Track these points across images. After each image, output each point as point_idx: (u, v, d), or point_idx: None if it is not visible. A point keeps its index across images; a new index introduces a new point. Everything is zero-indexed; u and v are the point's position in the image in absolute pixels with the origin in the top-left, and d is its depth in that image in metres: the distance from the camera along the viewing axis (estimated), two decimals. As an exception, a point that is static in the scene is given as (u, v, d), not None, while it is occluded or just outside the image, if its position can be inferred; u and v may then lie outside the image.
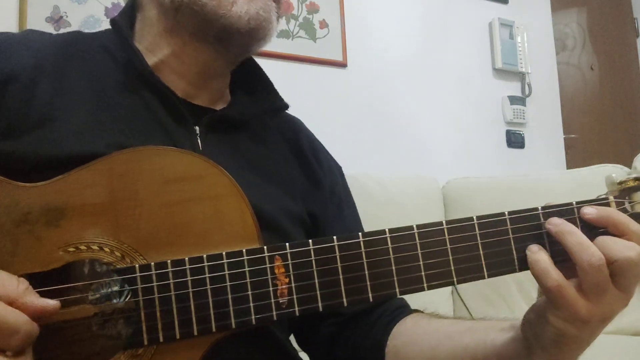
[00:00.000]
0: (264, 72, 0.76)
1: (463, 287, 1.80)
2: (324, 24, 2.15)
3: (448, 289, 1.82)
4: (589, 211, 0.50)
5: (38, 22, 1.60)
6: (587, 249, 0.46)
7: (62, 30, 1.62)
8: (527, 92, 2.72)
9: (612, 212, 0.49)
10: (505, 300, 1.71)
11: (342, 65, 2.19)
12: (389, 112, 2.30)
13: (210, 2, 0.62)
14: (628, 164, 1.63)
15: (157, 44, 0.66)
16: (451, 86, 2.51)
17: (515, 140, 2.66)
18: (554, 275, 0.47)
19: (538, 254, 0.49)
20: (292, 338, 0.73)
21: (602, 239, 0.48)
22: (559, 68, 2.98)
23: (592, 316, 0.47)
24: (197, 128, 0.64)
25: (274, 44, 2.00)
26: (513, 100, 2.65)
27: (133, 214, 0.50)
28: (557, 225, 0.49)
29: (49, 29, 1.61)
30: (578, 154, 3.00)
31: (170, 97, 0.63)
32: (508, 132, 2.65)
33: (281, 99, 0.75)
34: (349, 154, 2.10)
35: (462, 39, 2.58)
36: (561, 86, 2.98)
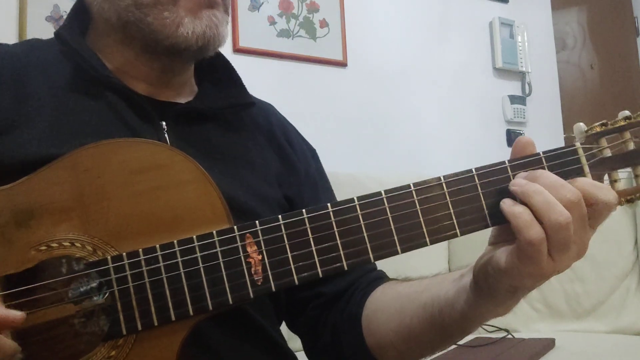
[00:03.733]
0: (230, 64, 0.76)
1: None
2: (324, 23, 2.15)
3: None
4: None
5: (38, 21, 1.60)
6: (555, 208, 0.46)
7: (62, 30, 1.63)
8: (527, 91, 2.72)
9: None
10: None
11: (342, 65, 2.19)
12: (389, 111, 2.30)
13: (155, 21, 0.62)
14: (628, 163, 1.63)
15: (111, 53, 0.67)
16: (451, 85, 2.51)
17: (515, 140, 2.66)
18: (538, 228, 0.46)
19: (516, 207, 0.48)
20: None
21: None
22: (559, 67, 2.98)
23: (552, 272, 0.48)
24: (163, 123, 0.65)
25: (274, 44, 2.02)
26: (513, 99, 2.65)
27: (101, 208, 0.50)
28: (522, 186, 0.48)
29: (49, 28, 1.61)
30: (578, 153, 3.00)
31: (132, 96, 0.64)
32: (508, 132, 2.65)
33: (248, 95, 0.75)
34: (349, 154, 2.10)
35: (462, 38, 2.58)
36: (561, 85, 2.98)
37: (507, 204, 0.49)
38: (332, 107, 2.14)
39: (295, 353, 0.71)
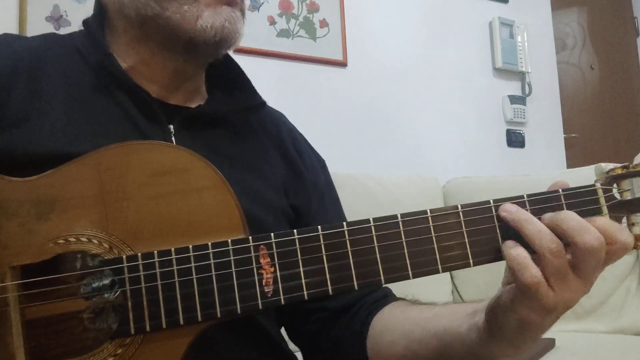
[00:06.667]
0: (241, 69, 0.76)
1: (464, 289, 1.80)
2: (324, 23, 2.15)
3: (449, 290, 1.82)
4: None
5: (38, 22, 1.60)
6: (546, 236, 0.47)
7: (62, 30, 1.62)
8: (527, 91, 2.72)
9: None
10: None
11: (342, 65, 2.19)
12: (389, 111, 2.30)
13: (174, 15, 0.62)
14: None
15: (125, 52, 0.67)
16: (451, 86, 2.51)
17: (515, 140, 2.66)
18: (534, 270, 0.47)
19: (515, 249, 0.48)
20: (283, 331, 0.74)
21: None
22: (559, 67, 2.98)
23: (557, 304, 0.47)
24: (171, 127, 0.65)
25: (274, 44, 2.02)
26: (513, 99, 2.65)
27: (121, 207, 0.51)
28: (513, 213, 0.49)
29: (49, 28, 1.61)
30: (578, 153, 3.00)
31: (143, 97, 0.64)
32: (508, 132, 2.65)
33: (259, 97, 0.75)
34: (350, 154, 2.10)
35: (462, 39, 2.58)
36: (561, 85, 2.98)
37: (507, 245, 0.49)
38: (332, 107, 2.14)
39: (295, 353, 0.71)
